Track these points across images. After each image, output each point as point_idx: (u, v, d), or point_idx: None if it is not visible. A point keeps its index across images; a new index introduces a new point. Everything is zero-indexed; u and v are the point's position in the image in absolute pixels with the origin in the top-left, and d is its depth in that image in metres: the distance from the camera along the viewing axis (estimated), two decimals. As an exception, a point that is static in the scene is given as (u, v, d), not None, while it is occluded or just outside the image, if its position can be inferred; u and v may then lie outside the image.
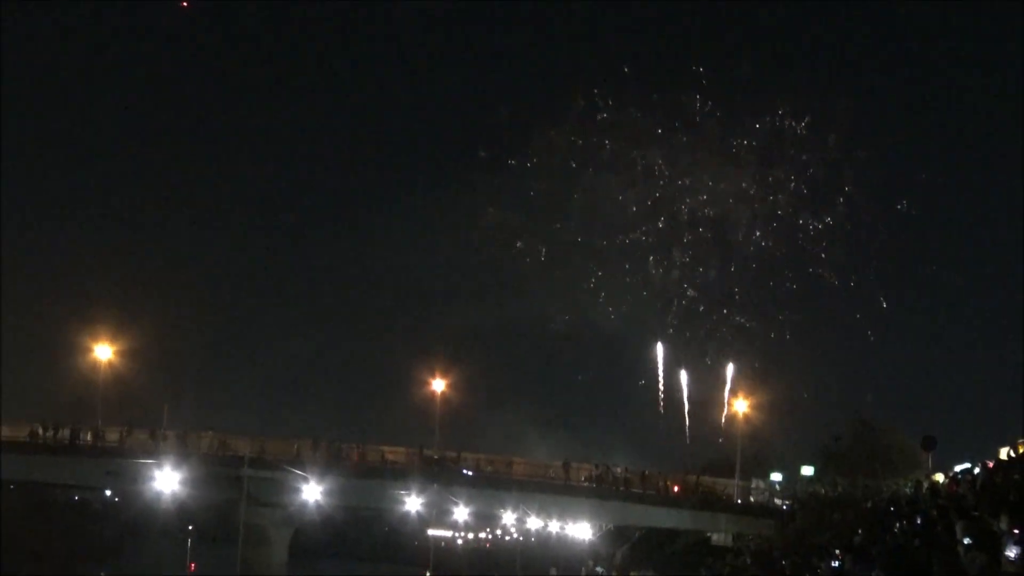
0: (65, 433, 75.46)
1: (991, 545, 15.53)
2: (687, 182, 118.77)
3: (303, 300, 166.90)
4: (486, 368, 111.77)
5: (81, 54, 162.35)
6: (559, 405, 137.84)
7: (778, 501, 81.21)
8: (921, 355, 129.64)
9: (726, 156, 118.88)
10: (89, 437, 76.28)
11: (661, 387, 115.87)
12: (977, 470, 30.03)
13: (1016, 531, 15.60)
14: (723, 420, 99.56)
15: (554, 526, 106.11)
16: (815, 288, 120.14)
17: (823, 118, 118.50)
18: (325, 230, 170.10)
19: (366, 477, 78.42)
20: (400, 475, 78.16)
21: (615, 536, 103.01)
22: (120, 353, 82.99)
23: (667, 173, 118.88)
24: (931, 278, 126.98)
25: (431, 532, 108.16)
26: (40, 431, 75.17)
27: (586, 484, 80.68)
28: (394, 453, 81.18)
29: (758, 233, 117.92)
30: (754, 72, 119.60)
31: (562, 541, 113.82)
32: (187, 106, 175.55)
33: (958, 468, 41.38)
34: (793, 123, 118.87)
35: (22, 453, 72.05)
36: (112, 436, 76.71)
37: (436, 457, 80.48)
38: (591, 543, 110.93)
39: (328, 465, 75.51)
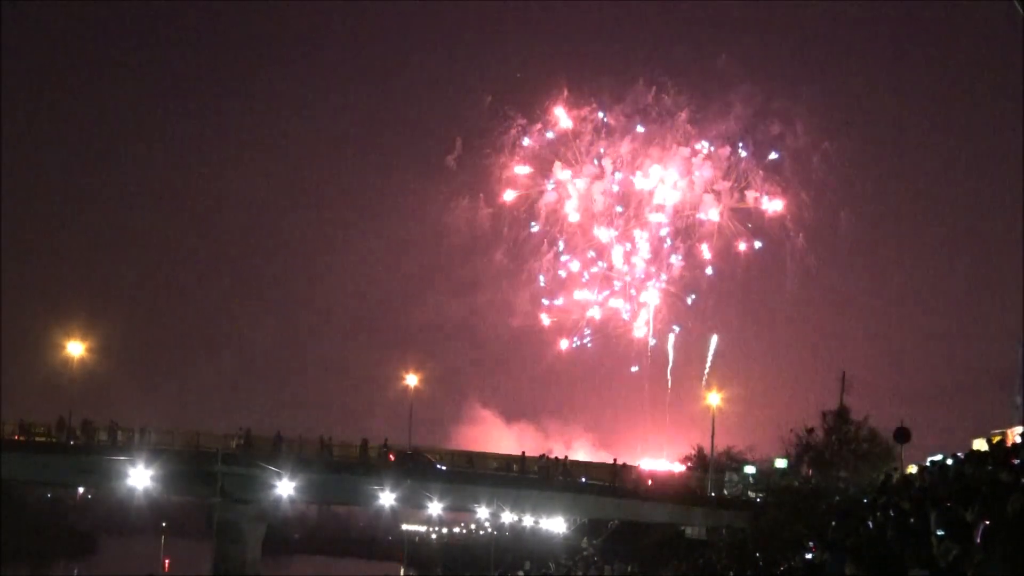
0: (37, 431, 75.17)
1: (964, 535, 15.58)
2: (653, 173, 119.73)
3: (274, 295, 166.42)
4: (449, 362, 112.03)
5: (57, 52, 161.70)
6: (523, 399, 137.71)
7: (752, 494, 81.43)
8: (897, 345, 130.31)
9: (695, 147, 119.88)
10: (63, 434, 76.00)
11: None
12: (949, 461, 30.07)
13: (987, 522, 15.66)
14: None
15: (528, 520, 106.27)
16: (784, 278, 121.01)
17: (791, 109, 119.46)
18: (297, 225, 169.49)
19: (339, 472, 78.38)
20: (373, 470, 78.16)
21: (589, 530, 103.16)
22: (93, 350, 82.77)
23: (634, 165, 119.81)
24: (904, 268, 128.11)
25: (405, 527, 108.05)
26: (11, 429, 74.86)
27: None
28: (368, 448, 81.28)
29: (725, 222, 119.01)
30: (728, 64, 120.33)
31: (536, 535, 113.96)
32: (154, 105, 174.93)
33: (930, 460, 41.53)
34: (763, 113, 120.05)
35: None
36: (85, 433, 76.45)
37: (410, 452, 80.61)
38: (565, 537, 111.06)
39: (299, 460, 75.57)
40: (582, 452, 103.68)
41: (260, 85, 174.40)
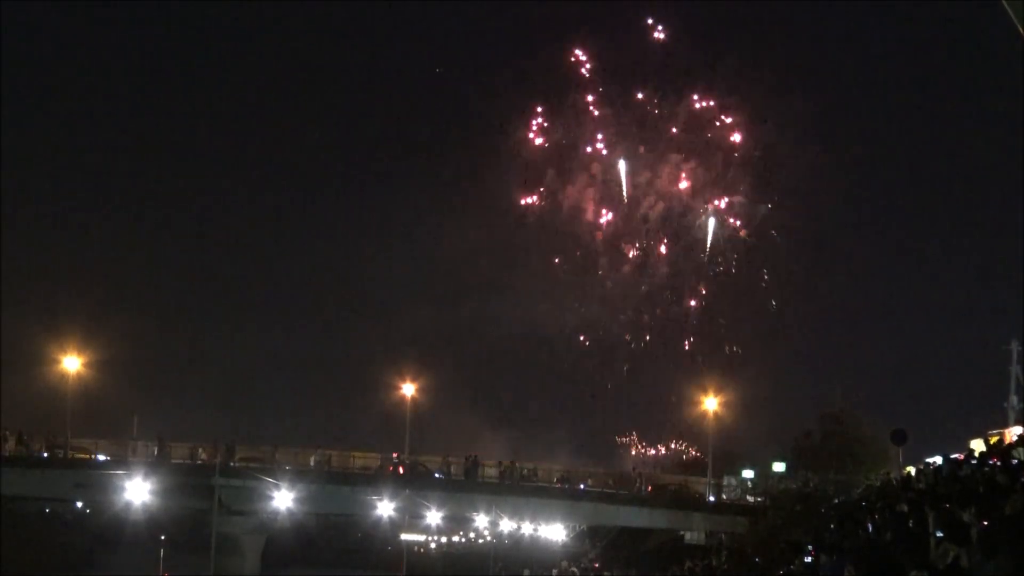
0: (33, 445, 75.02)
1: (962, 537, 15.60)
2: (646, 179, 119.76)
3: (268, 306, 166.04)
4: (441, 370, 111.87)
5: (50, 59, 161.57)
6: (513, 405, 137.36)
7: (750, 498, 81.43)
8: (892, 348, 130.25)
9: (690, 152, 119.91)
10: (59, 449, 75.84)
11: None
12: (943, 462, 30.14)
13: (985, 523, 15.70)
14: None
15: (527, 528, 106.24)
16: (779, 282, 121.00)
17: (780, 116, 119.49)
18: (290, 236, 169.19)
19: (337, 483, 78.31)
20: (371, 481, 78.11)
21: (588, 537, 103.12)
22: (88, 364, 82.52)
23: (627, 171, 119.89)
24: (899, 270, 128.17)
25: (404, 537, 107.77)
26: (8, 443, 74.71)
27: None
28: (364, 458, 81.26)
29: (715, 227, 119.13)
30: (732, 70, 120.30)
31: (535, 543, 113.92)
32: (148, 116, 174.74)
33: (927, 462, 41.55)
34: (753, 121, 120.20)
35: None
36: (81, 447, 76.36)
37: (409, 462, 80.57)
38: (564, 544, 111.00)
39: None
40: (566, 458, 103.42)
41: (252, 100, 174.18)
